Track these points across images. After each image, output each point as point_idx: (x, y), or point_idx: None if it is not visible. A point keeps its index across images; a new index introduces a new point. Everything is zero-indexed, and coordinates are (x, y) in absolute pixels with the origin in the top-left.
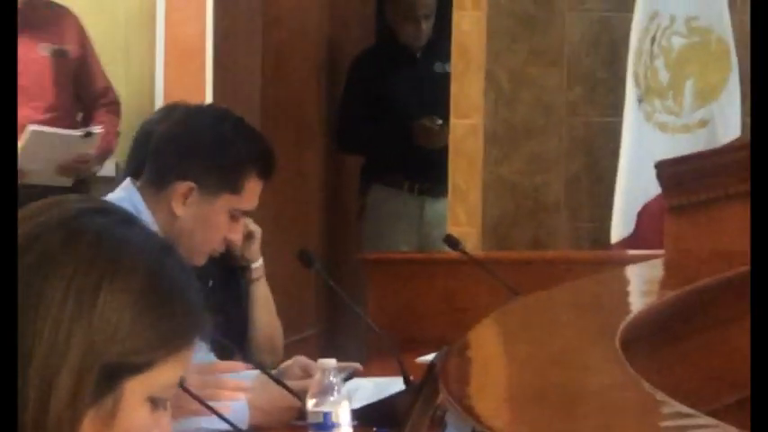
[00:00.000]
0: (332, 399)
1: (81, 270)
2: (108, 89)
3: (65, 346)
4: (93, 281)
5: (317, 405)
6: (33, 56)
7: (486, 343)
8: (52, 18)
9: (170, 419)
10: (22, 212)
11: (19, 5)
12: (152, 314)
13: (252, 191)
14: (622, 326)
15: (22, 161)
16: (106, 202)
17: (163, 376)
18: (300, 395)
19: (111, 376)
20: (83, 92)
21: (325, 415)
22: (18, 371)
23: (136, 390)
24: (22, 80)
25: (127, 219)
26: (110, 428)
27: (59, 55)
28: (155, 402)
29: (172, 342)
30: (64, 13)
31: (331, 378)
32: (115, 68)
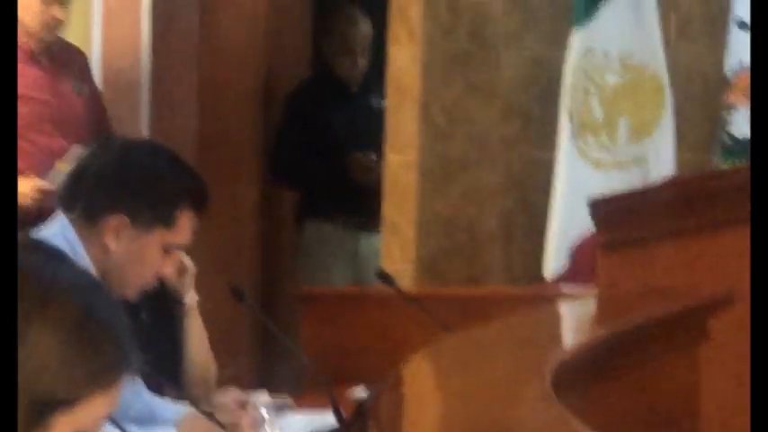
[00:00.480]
0: None
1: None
2: (109, 123)
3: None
4: (21, 319)
5: None
6: (66, 91)
7: (417, 379)
8: (73, 57)
9: None
10: None
11: (48, 45)
12: (80, 352)
13: (185, 225)
14: (554, 363)
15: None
16: (35, 239)
17: (91, 411)
18: (231, 430)
19: (40, 412)
20: (96, 126)
21: None
22: None
23: (64, 424)
24: (60, 114)
25: (55, 255)
26: None
27: (81, 91)
28: None
29: (100, 379)
30: (78, 52)
31: (263, 413)
32: None
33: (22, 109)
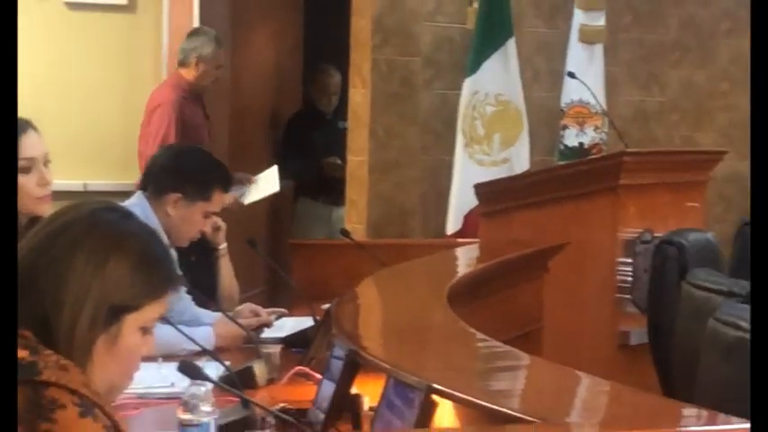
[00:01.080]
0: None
1: (96, 248)
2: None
3: (86, 294)
4: (103, 254)
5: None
6: (203, 118)
7: (365, 294)
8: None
9: (153, 340)
10: (57, 210)
11: (204, 89)
12: (143, 274)
13: (218, 199)
14: (449, 285)
15: None
16: (113, 203)
17: (150, 313)
18: (247, 330)
19: (116, 313)
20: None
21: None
22: (50, 313)
23: (132, 322)
24: (206, 133)
25: (127, 214)
26: (114, 347)
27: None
28: (144, 330)
29: (155, 291)
30: None
31: (267, 316)
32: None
33: (197, 132)
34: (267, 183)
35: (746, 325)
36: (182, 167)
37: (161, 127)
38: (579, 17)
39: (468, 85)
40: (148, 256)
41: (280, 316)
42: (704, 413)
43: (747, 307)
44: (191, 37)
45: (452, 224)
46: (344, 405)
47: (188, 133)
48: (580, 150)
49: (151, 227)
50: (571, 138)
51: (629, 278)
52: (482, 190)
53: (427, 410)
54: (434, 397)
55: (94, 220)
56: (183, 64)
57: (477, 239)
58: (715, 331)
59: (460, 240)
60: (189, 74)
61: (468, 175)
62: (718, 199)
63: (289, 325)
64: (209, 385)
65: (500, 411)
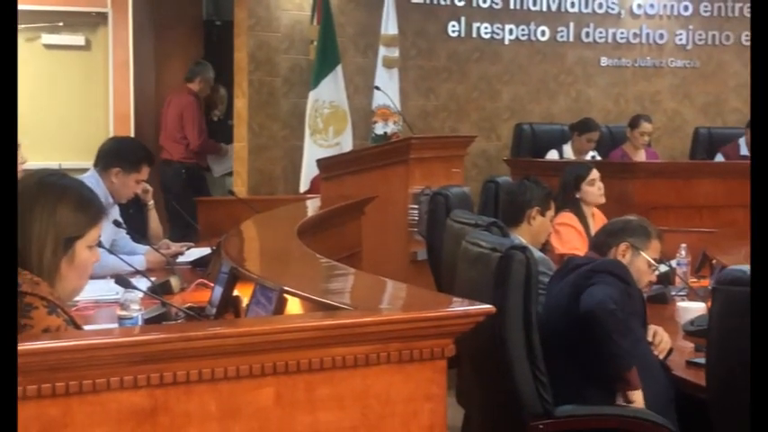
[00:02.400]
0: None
1: (46, 201)
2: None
3: (46, 234)
4: (52, 204)
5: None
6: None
7: (245, 231)
8: None
9: (98, 252)
10: (20, 180)
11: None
12: (82, 211)
13: (145, 171)
14: (299, 224)
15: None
16: (52, 170)
17: (93, 235)
18: (166, 257)
19: (70, 242)
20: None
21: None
22: (24, 248)
23: (82, 244)
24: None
25: (63, 175)
26: (73, 264)
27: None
28: (90, 247)
29: (93, 220)
30: None
31: (179, 248)
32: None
33: (203, 118)
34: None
35: (486, 244)
36: (120, 150)
37: (195, 117)
38: (383, 51)
39: (311, 96)
40: (83, 198)
41: (189, 247)
42: (459, 300)
43: (486, 233)
44: (197, 65)
45: (303, 186)
46: (229, 303)
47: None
48: (385, 137)
49: (80, 180)
50: (379, 129)
51: (416, 218)
52: (322, 163)
53: (280, 304)
54: (285, 296)
55: (41, 183)
56: (189, 80)
57: (319, 195)
58: (466, 249)
59: (309, 196)
60: (194, 86)
61: (312, 154)
62: (472, 166)
63: (195, 253)
64: (138, 293)
65: (329, 303)
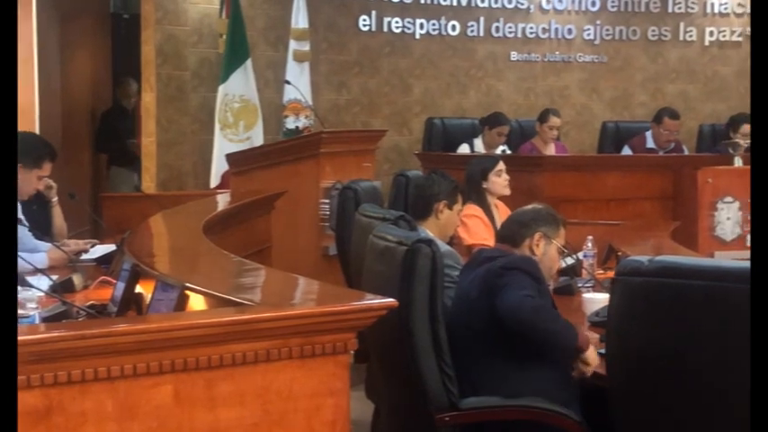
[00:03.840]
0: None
1: None
2: None
3: None
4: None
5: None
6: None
7: (147, 229)
8: None
9: None
10: None
11: None
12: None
13: (47, 168)
14: (206, 219)
15: None
16: None
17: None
18: (69, 255)
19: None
20: None
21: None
22: None
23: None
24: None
25: None
26: None
27: None
28: None
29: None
30: None
31: (83, 245)
32: None
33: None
34: None
35: (392, 238)
36: (20, 146)
37: None
38: (293, 44)
39: (221, 90)
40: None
41: (94, 245)
42: (363, 294)
43: (393, 227)
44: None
45: (214, 181)
46: (131, 300)
47: None
48: (296, 131)
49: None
50: (290, 123)
51: (327, 212)
52: (232, 158)
53: (182, 301)
54: (187, 293)
55: None
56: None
57: (229, 190)
58: (372, 243)
59: (219, 191)
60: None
61: (222, 148)
62: (384, 160)
63: (99, 250)
64: (36, 291)
65: (230, 299)
